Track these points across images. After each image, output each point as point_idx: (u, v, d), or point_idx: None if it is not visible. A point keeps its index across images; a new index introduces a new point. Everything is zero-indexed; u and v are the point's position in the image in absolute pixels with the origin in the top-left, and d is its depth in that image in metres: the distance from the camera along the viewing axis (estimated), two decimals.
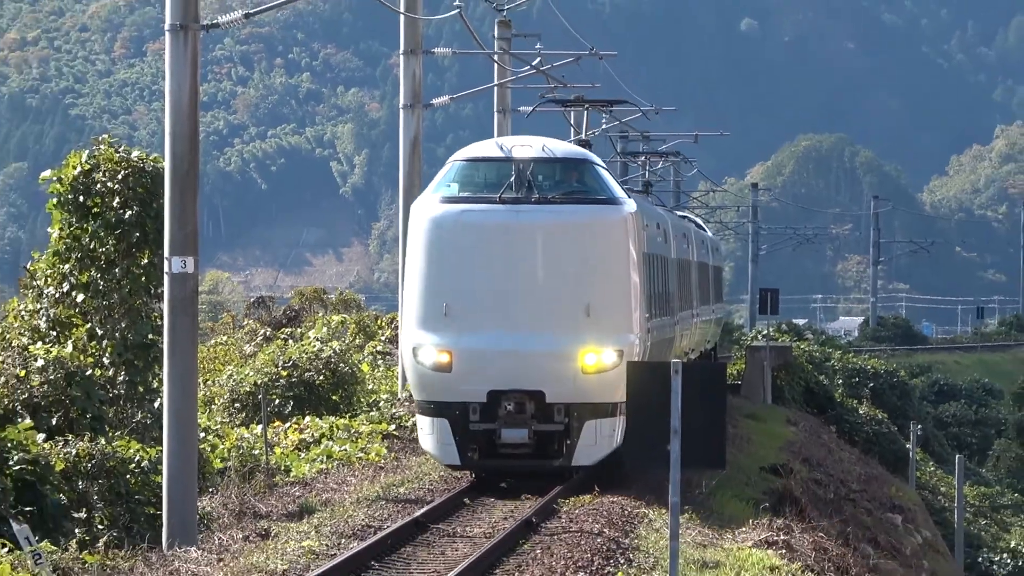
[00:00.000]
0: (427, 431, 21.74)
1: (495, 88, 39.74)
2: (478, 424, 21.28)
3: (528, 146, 22.05)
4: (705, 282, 42.36)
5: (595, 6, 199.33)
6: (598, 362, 21.31)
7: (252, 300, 65.11)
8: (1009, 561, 52.17)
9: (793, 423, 43.16)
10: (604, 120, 49.24)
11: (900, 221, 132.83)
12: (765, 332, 57.18)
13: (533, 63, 38.92)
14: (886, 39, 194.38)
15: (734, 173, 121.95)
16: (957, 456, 50.80)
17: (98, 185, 22.47)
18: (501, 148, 22.19)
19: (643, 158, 50.10)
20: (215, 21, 20.53)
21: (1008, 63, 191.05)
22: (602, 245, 21.89)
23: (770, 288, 59.17)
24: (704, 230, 50.82)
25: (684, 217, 47.02)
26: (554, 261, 21.68)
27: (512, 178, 21.56)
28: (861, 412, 53.20)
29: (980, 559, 51.53)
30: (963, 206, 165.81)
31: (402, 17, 31.27)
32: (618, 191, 22.69)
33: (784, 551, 20.97)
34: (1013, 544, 53.66)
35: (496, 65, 39.60)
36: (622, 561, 17.42)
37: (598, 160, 23.63)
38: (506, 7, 39.03)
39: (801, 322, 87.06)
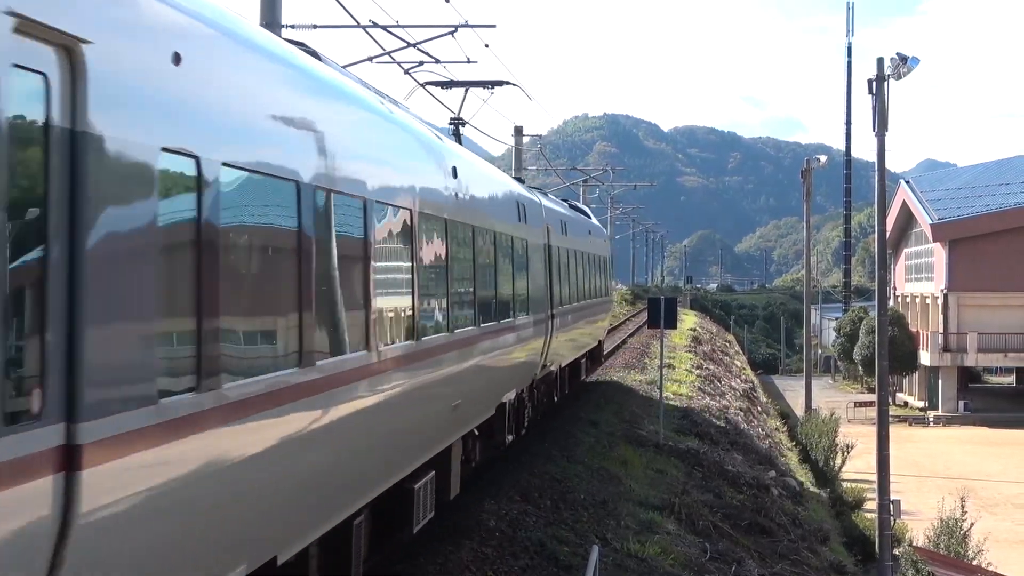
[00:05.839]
0: None
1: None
2: None
3: None
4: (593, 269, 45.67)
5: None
6: None
7: None
8: (761, 354, 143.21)
9: (697, 316, 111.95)
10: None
11: (727, 258, 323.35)
12: (688, 288, 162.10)
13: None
14: (727, 207, 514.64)
15: (676, 240, 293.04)
16: (745, 326, 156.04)
17: None
18: None
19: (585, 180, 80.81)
20: None
21: (765, 209, 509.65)
22: None
23: (691, 275, 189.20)
24: (590, 218, 49.75)
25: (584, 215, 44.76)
26: None
27: None
28: (716, 312, 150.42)
29: (753, 355, 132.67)
30: (747, 252, 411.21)
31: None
32: None
33: (694, 351, 64.02)
34: (763, 349, 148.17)
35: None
36: None
37: None
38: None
39: (699, 286, 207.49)
